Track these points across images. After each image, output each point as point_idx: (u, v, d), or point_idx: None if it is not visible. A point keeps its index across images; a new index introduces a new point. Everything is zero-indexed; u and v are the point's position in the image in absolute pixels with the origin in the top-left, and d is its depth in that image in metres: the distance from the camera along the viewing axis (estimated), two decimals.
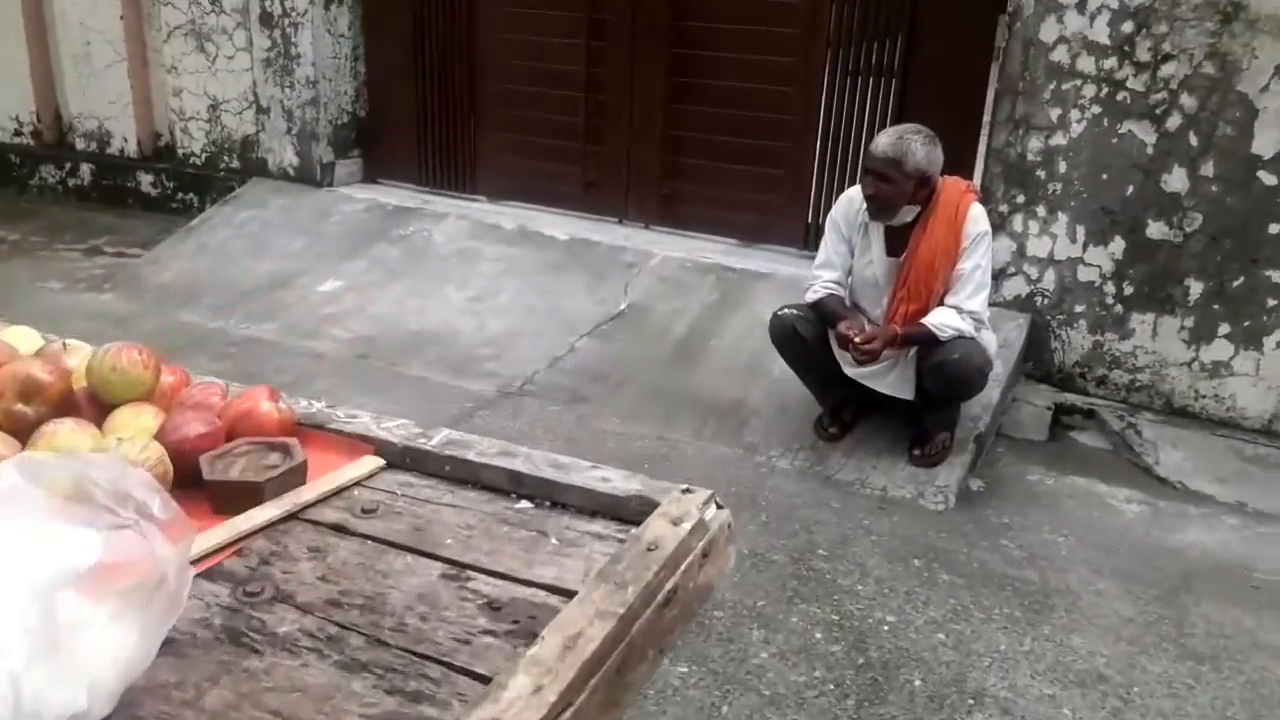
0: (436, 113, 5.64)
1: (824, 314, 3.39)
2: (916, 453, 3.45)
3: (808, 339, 3.38)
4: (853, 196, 3.42)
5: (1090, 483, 3.56)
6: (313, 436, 1.43)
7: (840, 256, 3.43)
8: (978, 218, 3.26)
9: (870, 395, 3.50)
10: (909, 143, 3.14)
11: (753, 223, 4.96)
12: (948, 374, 3.19)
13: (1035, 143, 3.92)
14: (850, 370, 3.37)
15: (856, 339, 3.16)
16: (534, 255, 4.96)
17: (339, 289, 4.87)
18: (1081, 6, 3.73)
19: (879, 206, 3.22)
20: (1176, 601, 2.84)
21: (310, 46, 5.54)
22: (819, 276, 3.44)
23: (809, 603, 2.74)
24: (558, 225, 5.22)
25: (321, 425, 1.47)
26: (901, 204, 3.21)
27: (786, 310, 3.43)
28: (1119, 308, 3.89)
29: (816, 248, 4.65)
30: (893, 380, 3.38)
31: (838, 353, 3.36)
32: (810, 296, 3.43)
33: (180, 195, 6.23)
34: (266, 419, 1.39)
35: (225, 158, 6.14)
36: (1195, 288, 3.74)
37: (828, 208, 4.65)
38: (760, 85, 4.75)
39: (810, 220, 4.79)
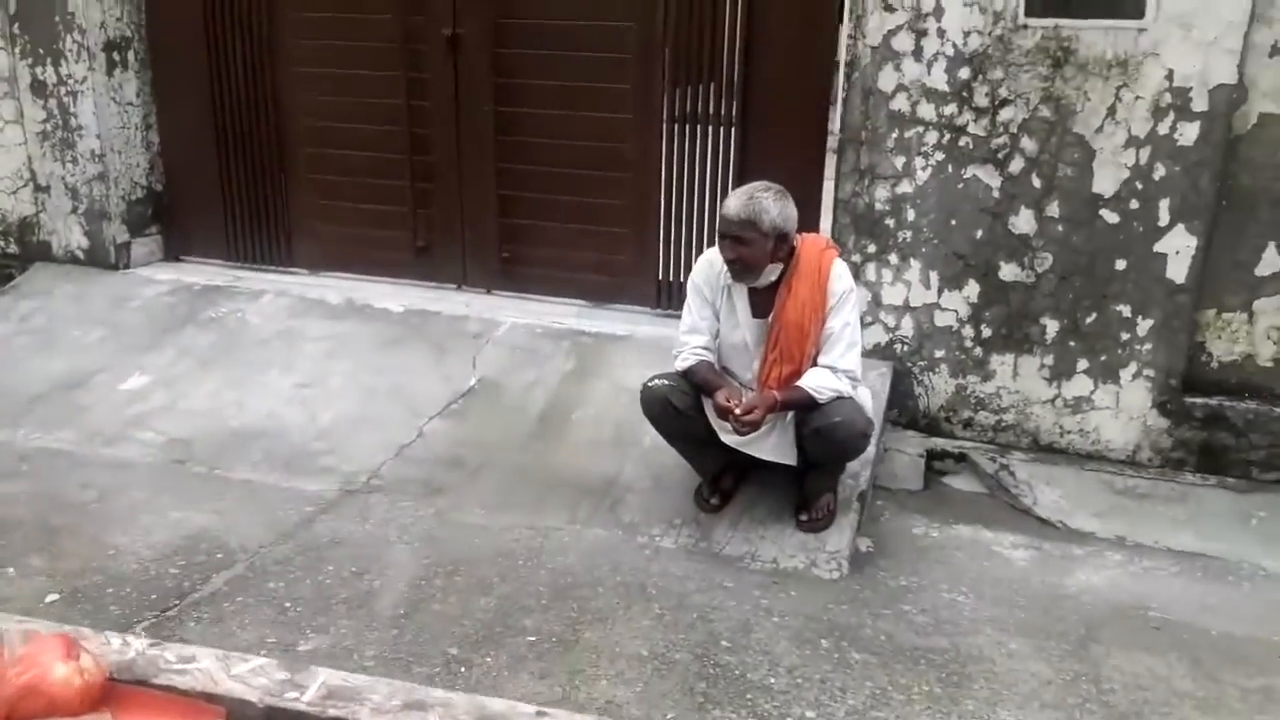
0: (242, 181, 5.17)
1: (697, 382, 3.20)
2: (803, 518, 3.29)
3: (683, 410, 3.18)
4: (712, 259, 3.27)
5: (975, 530, 3.50)
6: (134, 699, 1.01)
7: (706, 321, 3.26)
8: (841, 274, 3.16)
9: (749, 460, 3.33)
10: (761, 201, 3.03)
11: (602, 283, 4.75)
12: (830, 438, 3.06)
13: (882, 191, 3.88)
14: (729, 439, 3.19)
15: (737, 410, 2.98)
16: (366, 330, 4.57)
17: (145, 385, 4.33)
18: (918, 54, 3.73)
19: (742, 269, 3.08)
20: (1088, 655, 2.76)
21: (93, 117, 4.98)
22: (686, 343, 3.26)
23: (722, 707, 2.49)
24: (390, 295, 4.85)
25: (146, 680, 1.05)
26: (764, 264, 3.09)
27: (657, 381, 3.22)
28: (979, 350, 3.88)
29: (670, 305, 4.58)
30: (773, 445, 3.22)
31: (715, 422, 3.17)
32: (680, 365, 3.23)
33: None
34: (62, 692, 0.96)
35: (0, 242, 5.44)
36: (1051, 326, 3.78)
37: (678, 264, 4.55)
38: (595, 142, 4.57)
39: (661, 277, 4.62)
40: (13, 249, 5.40)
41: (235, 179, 5.18)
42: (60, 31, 4.91)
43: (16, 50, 5.01)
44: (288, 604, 2.91)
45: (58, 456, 3.87)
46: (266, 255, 5.26)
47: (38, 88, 5.04)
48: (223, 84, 5.04)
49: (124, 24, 5.03)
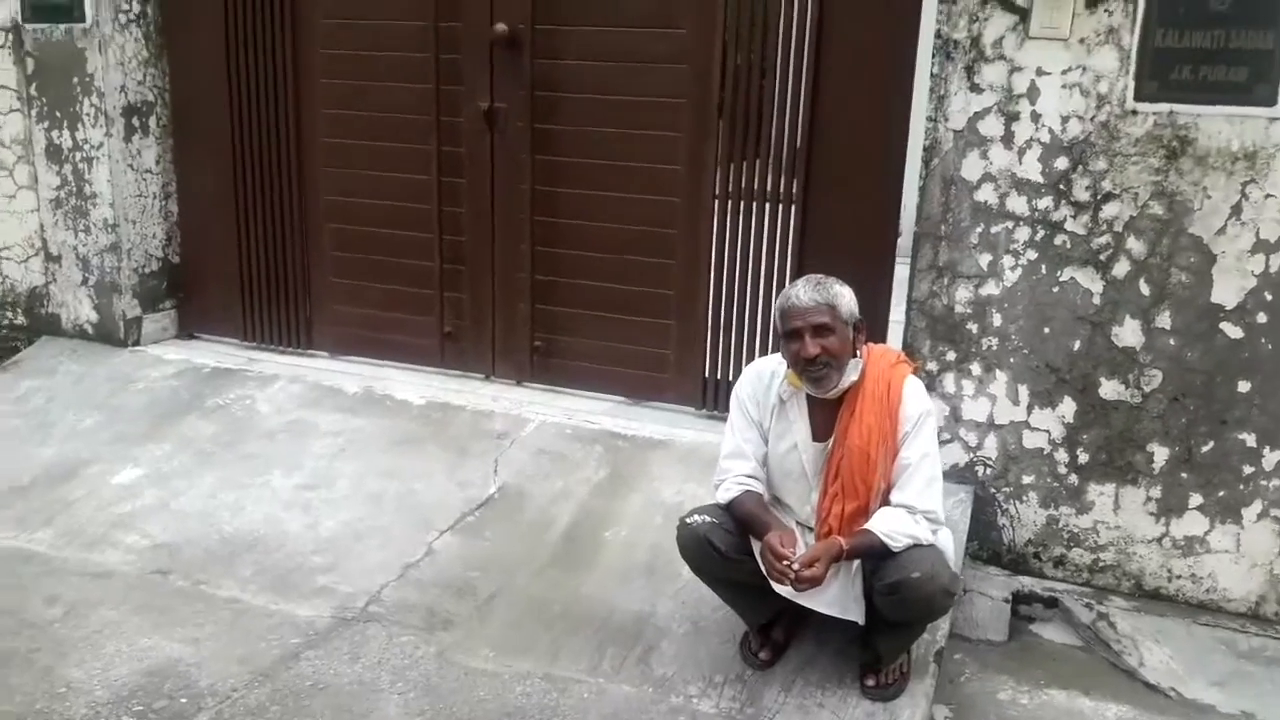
0: (262, 256, 4.83)
1: (742, 518, 2.71)
2: (870, 683, 2.75)
3: (726, 552, 2.68)
4: (760, 371, 2.82)
5: (1071, 698, 2.95)
6: None
7: (752, 444, 2.79)
8: (917, 394, 2.68)
9: (802, 608, 2.83)
10: (832, 285, 2.63)
11: (641, 378, 4.30)
12: (906, 597, 2.54)
13: (964, 293, 3.41)
14: (782, 589, 2.68)
15: (796, 567, 2.48)
16: (381, 426, 4.15)
17: (137, 480, 3.93)
18: (1008, 140, 3.28)
19: (830, 368, 2.60)
20: None
21: (108, 185, 4.69)
22: (729, 470, 2.78)
23: None
24: (411, 386, 4.45)
25: None
26: (847, 360, 2.63)
27: (697, 518, 2.73)
28: (1074, 478, 3.36)
29: (716, 407, 4.11)
30: (834, 598, 2.70)
31: (769, 568, 2.67)
32: (723, 496, 2.75)
33: None
34: None
35: (8, 313, 5.14)
36: (1160, 453, 3.25)
37: (726, 360, 4.10)
38: (639, 225, 4.16)
39: (707, 374, 4.16)
40: (20, 320, 5.11)
41: (255, 254, 4.84)
42: (78, 94, 4.64)
43: (33, 113, 4.76)
44: None
45: (30, 561, 3.47)
46: (284, 336, 4.89)
47: (53, 152, 4.77)
48: (245, 154, 4.73)
49: (146, 88, 4.76)
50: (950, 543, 2.76)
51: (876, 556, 2.57)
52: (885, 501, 2.64)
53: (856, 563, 2.66)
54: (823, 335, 2.58)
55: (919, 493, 2.61)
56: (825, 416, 2.71)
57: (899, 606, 2.57)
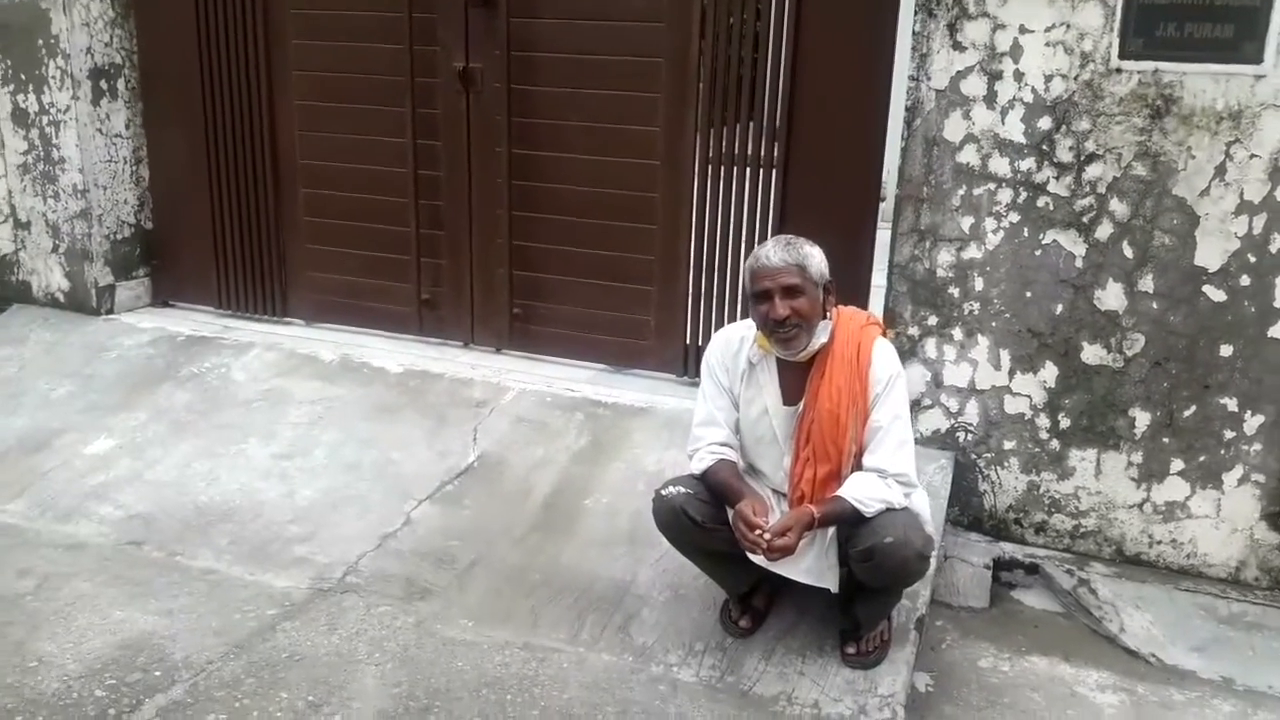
0: (235, 222, 4.74)
1: (716, 487, 2.68)
2: (850, 650, 2.74)
3: (702, 522, 2.65)
4: (730, 336, 2.78)
5: (1052, 664, 2.95)
6: None
7: (724, 411, 2.75)
8: (886, 357, 2.64)
9: (780, 576, 2.81)
10: (802, 246, 2.58)
11: (621, 345, 4.25)
12: (880, 563, 2.52)
13: (946, 256, 3.37)
14: (756, 559, 2.66)
15: (767, 536, 2.45)
16: (359, 394, 4.10)
17: (110, 450, 3.88)
18: (991, 100, 3.23)
19: (800, 329, 2.56)
20: None
21: (76, 149, 4.59)
22: (701, 438, 2.74)
23: None
24: (389, 353, 4.39)
25: None
26: (817, 322, 2.60)
27: (671, 489, 2.69)
28: (1055, 443, 3.34)
29: (696, 373, 4.03)
30: (809, 567, 2.67)
31: (741, 539, 2.64)
32: (697, 466, 2.72)
33: None
34: None
35: None
36: (1141, 418, 3.23)
37: (708, 326, 4.05)
38: (619, 189, 4.09)
39: (688, 341, 4.12)
40: None
41: (228, 219, 4.75)
42: (43, 56, 4.53)
43: None
44: None
45: (2, 533, 3.42)
46: (259, 303, 4.82)
47: (19, 116, 4.66)
48: (216, 116, 4.63)
49: (113, 49, 4.64)
50: (926, 504, 2.74)
51: (849, 522, 2.55)
52: (857, 465, 2.62)
53: (831, 531, 2.64)
54: (792, 296, 2.54)
55: (891, 455, 2.58)
56: (795, 380, 2.67)
57: (874, 572, 2.55)
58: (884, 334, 2.72)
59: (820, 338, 2.62)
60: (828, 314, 2.63)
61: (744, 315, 3.89)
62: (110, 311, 4.83)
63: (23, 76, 4.60)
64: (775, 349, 2.63)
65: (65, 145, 4.60)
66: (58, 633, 2.87)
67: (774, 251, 2.58)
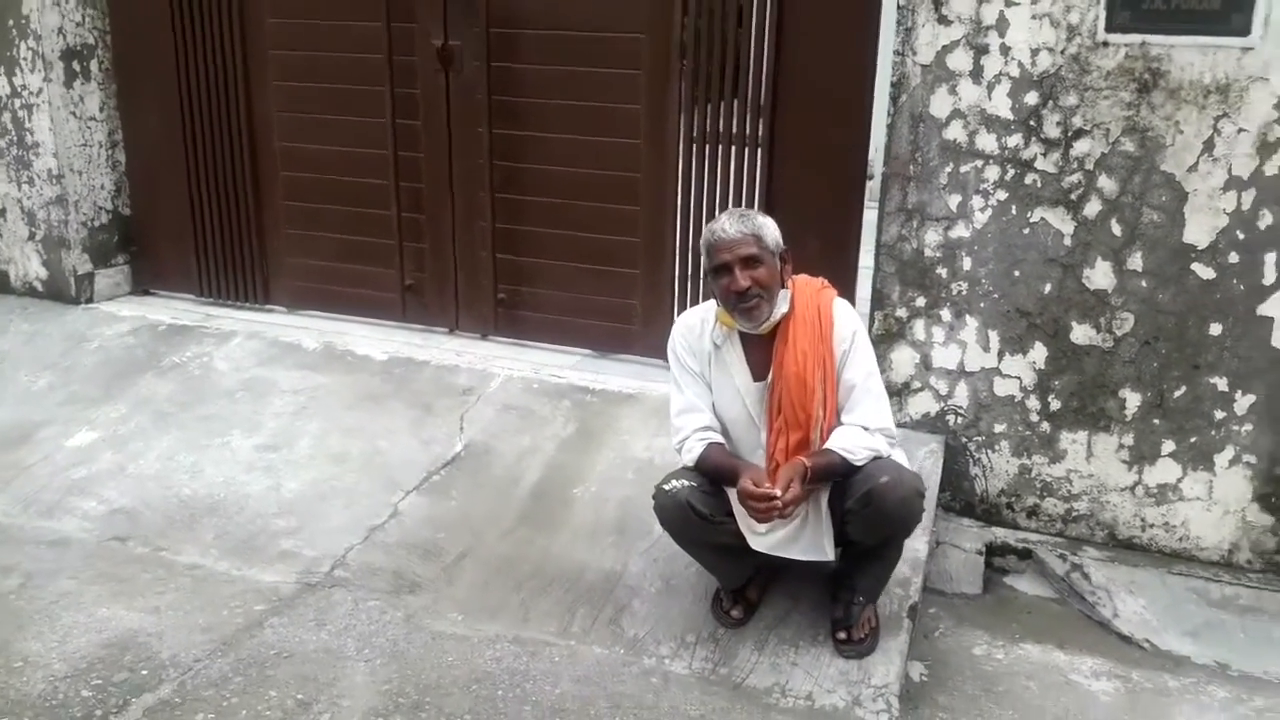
0: (215, 208, 4.67)
1: (711, 471, 2.65)
2: (842, 637, 2.73)
3: (710, 515, 2.62)
4: (690, 322, 2.77)
5: (1046, 651, 2.94)
6: None
7: (701, 396, 2.73)
8: (845, 314, 2.65)
9: (776, 564, 2.79)
10: (756, 217, 2.61)
11: (608, 330, 4.21)
12: (880, 506, 2.49)
13: (933, 235, 3.33)
14: (759, 541, 2.64)
15: (785, 497, 2.42)
16: (343, 383, 4.05)
17: (92, 443, 3.83)
18: (977, 75, 3.17)
19: (762, 300, 2.56)
20: None
21: (50, 133, 4.50)
22: (684, 428, 2.71)
23: None
24: (374, 340, 4.34)
25: None
26: (777, 291, 2.60)
27: (675, 484, 2.65)
28: (1046, 425, 3.32)
29: None
30: (807, 543, 2.67)
31: (743, 523, 2.62)
32: (688, 457, 2.69)
33: None
34: None
35: None
36: (1132, 400, 3.21)
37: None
38: (603, 169, 4.03)
39: None
40: None
41: (207, 205, 4.68)
42: (14, 37, 4.43)
43: None
44: None
45: None
46: (240, 290, 4.76)
47: None
48: (192, 98, 4.55)
49: (85, 30, 4.54)
50: (904, 461, 2.71)
51: (841, 474, 2.54)
52: (828, 435, 2.60)
53: (825, 505, 2.63)
54: (751, 266, 2.53)
55: (872, 411, 2.60)
56: (761, 354, 2.66)
57: (875, 519, 2.52)
58: (838, 296, 2.71)
59: (781, 307, 2.62)
60: (785, 283, 2.63)
61: None
62: (90, 300, 4.77)
63: None
64: (739, 322, 2.62)
65: (39, 129, 4.52)
66: (43, 632, 2.84)
67: (729, 224, 2.58)
